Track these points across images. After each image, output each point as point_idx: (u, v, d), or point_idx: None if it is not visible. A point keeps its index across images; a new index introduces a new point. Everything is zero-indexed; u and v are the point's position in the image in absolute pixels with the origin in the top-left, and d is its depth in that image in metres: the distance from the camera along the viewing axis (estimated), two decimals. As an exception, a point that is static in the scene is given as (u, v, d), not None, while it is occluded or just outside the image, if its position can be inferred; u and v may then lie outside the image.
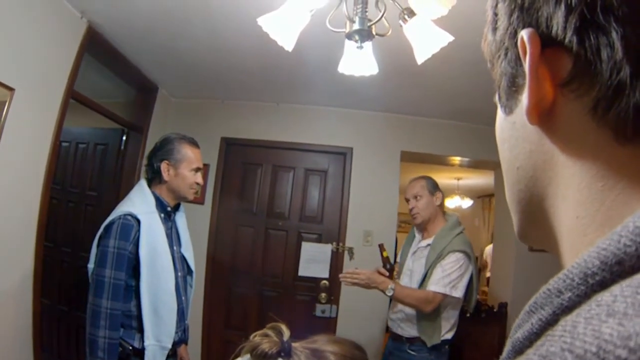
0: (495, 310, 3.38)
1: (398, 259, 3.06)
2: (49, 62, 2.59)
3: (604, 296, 0.25)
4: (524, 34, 0.34)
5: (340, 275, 2.70)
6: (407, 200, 2.86)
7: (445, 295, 2.53)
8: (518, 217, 0.45)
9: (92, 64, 3.23)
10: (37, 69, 2.49)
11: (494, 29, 0.41)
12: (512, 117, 0.40)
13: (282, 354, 1.02)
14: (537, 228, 0.42)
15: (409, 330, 2.68)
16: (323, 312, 3.98)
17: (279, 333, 1.06)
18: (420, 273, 2.69)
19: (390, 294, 2.51)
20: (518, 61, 0.37)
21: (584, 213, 0.33)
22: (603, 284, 0.26)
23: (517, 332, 0.32)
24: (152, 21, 2.75)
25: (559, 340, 0.25)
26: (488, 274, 8.65)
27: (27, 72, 2.41)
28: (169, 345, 2.07)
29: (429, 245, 2.73)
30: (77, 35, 2.77)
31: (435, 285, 2.53)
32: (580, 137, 0.33)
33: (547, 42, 0.33)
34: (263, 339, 1.04)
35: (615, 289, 0.25)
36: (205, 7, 2.51)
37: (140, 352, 2.01)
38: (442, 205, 2.84)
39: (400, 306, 2.72)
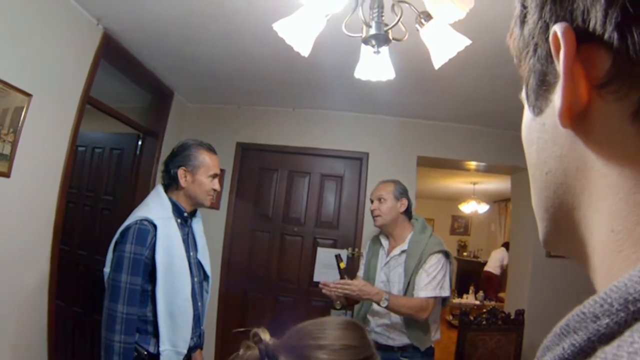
0: (512, 317, 3.32)
1: (360, 273, 2.99)
2: (66, 68, 2.62)
3: None
4: (558, 29, 0.31)
5: (330, 286, 2.56)
6: (372, 201, 2.82)
7: (436, 299, 2.53)
8: (544, 225, 0.42)
9: (108, 70, 3.26)
10: (54, 75, 2.52)
11: (522, 23, 0.38)
12: (541, 118, 0.38)
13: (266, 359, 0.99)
14: (565, 238, 0.39)
15: (400, 339, 2.63)
16: (338, 318, 3.95)
17: (259, 339, 1.02)
18: (400, 282, 2.64)
19: (384, 305, 2.43)
20: (549, 58, 0.34)
21: (620, 227, 0.30)
22: None
23: (545, 355, 0.30)
24: (168, 27, 2.77)
25: None
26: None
27: (44, 78, 2.44)
28: (185, 351, 2.06)
29: (403, 252, 2.69)
30: (93, 41, 2.80)
31: (425, 291, 2.50)
32: (618, 143, 0.31)
33: (582, 38, 0.31)
34: (243, 351, 1.02)
35: None
36: (221, 12, 2.51)
37: (155, 357, 2.00)
38: (408, 212, 2.80)
39: (383, 314, 2.69)
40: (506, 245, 8.56)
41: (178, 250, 2.08)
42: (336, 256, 2.71)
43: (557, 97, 0.33)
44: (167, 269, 2.01)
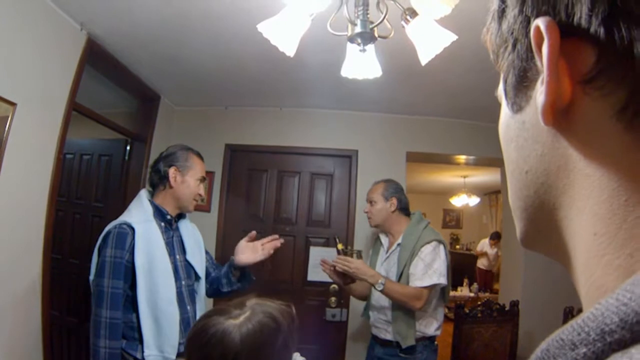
0: (507, 308, 3.34)
1: None
2: (50, 75, 2.59)
3: None
4: (540, 23, 0.31)
5: (329, 263, 2.70)
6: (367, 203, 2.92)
7: (432, 289, 2.55)
8: (523, 224, 0.41)
9: (93, 75, 3.23)
10: (38, 83, 2.48)
11: (500, 18, 0.37)
12: (521, 115, 0.37)
13: None
14: (544, 238, 0.38)
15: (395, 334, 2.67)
16: (333, 316, 3.96)
17: None
18: (396, 274, 2.68)
19: (380, 288, 2.49)
20: (530, 54, 0.33)
21: (602, 230, 0.30)
22: (622, 344, 0.24)
23: None
24: (152, 30, 2.74)
25: None
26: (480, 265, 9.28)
27: (28, 86, 2.40)
28: (173, 356, 2.03)
29: (399, 244, 2.74)
30: (77, 47, 2.77)
31: (421, 280, 2.53)
32: (603, 142, 0.30)
33: (565, 33, 0.30)
34: None
35: (636, 353, 0.23)
36: (205, 14, 2.50)
37: None
38: (402, 208, 2.85)
39: (380, 309, 2.74)
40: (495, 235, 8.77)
41: (159, 252, 2.08)
42: (335, 237, 2.83)
43: (539, 94, 0.32)
44: (147, 272, 2.01)
